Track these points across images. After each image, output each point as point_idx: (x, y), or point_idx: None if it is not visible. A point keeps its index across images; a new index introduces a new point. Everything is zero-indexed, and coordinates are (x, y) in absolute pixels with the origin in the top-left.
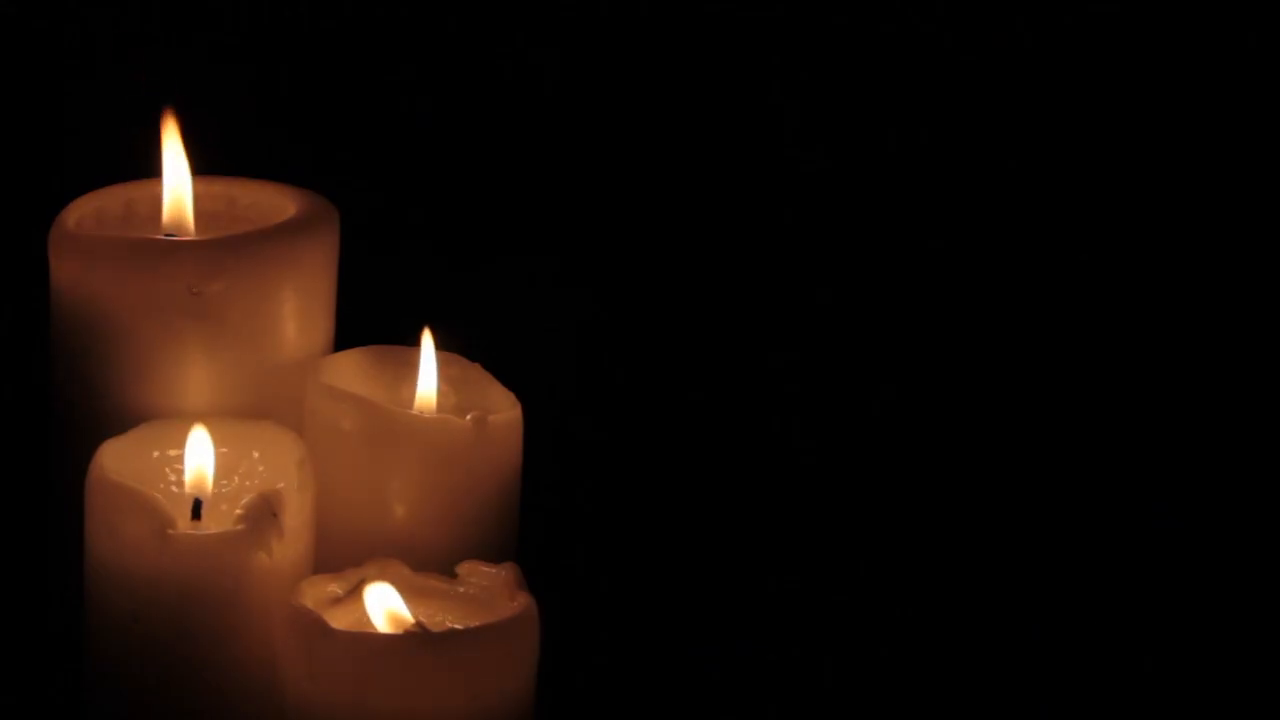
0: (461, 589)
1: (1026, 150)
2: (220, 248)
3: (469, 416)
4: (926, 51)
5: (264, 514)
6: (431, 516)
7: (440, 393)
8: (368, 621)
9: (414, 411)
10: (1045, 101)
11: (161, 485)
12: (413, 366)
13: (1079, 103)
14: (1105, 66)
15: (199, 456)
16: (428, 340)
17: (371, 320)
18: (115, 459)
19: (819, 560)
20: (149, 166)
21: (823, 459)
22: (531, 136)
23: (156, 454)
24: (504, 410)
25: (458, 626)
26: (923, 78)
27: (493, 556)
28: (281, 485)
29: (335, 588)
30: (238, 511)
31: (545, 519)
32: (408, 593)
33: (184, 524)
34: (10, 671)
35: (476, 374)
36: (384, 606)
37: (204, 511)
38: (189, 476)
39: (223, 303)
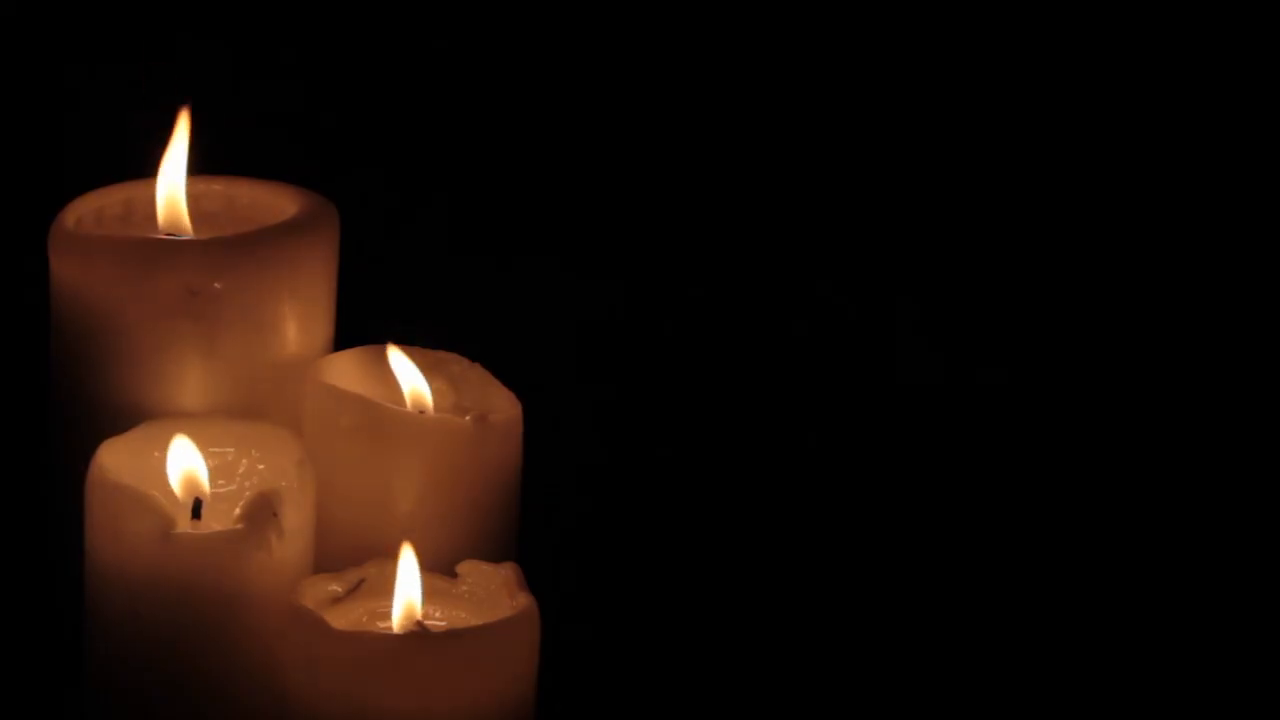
0: (462, 589)
1: (1026, 150)
2: (220, 248)
3: (469, 416)
4: (926, 51)
5: (264, 514)
6: (431, 516)
7: (440, 392)
8: (367, 621)
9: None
10: (1045, 101)
11: (162, 485)
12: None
13: (1079, 102)
14: (1105, 66)
15: (185, 462)
16: (394, 352)
17: (371, 320)
18: (115, 459)
19: (820, 560)
20: (149, 166)
21: (824, 458)
22: (532, 137)
23: (156, 454)
24: (504, 410)
25: (458, 626)
26: (922, 77)
27: (493, 556)
28: (282, 485)
29: (335, 588)
30: (237, 511)
31: (545, 519)
32: None
33: (184, 524)
34: (10, 671)
35: (477, 374)
36: (404, 596)
37: (204, 511)
38: (178, 485)
39: (222, 303)
